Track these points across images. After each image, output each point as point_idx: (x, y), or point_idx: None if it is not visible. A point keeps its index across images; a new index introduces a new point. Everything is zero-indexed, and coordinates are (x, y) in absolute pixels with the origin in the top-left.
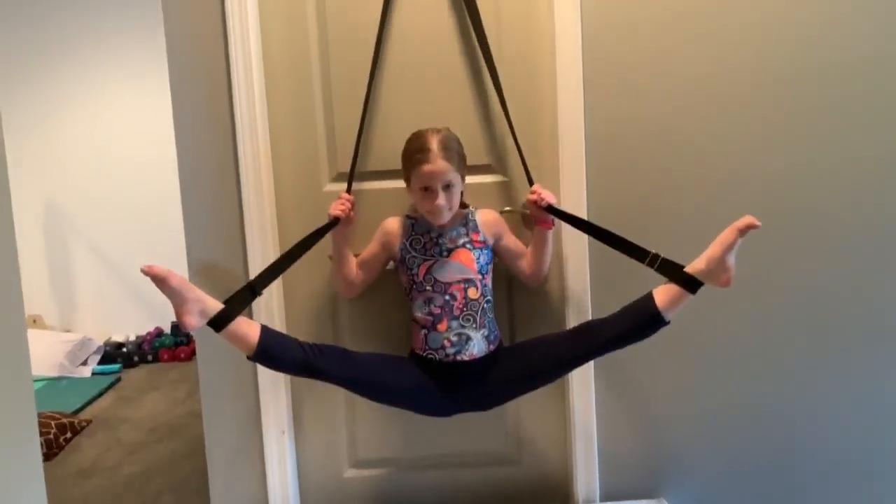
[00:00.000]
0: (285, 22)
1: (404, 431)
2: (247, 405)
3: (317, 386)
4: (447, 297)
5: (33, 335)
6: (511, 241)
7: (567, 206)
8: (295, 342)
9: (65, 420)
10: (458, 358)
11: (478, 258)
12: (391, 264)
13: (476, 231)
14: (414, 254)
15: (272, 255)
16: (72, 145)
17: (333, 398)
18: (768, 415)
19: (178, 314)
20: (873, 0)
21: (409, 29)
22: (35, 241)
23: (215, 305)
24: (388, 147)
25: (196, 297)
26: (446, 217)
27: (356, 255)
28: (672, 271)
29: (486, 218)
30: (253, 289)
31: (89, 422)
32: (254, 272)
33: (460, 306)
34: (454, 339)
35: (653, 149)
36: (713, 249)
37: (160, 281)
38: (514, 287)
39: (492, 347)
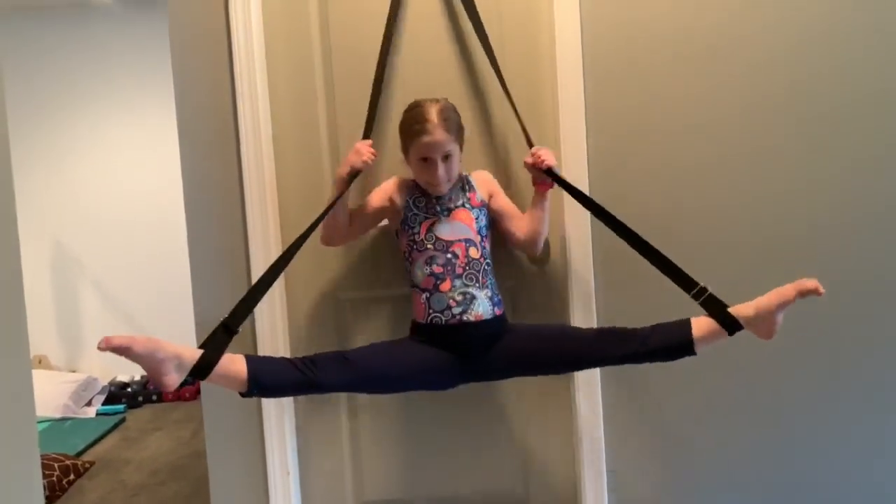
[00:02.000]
0: (291, 59)
1: (410, 471)
2: (251, 445)
3: (322, 425)
4: (449, 256)
5: (38, 376)
6: (503, 201)
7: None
8: (286, 363)
9: (68, 462)
10: (465, 318)
11: (477, 218)
12: (385, 222)
13: (473, 191)
14: (416, 212)
15: (277, 294)
16: (80, 187)
17: (339, 438)
18: (784, 451)
19: (154, 378)
20: (876, 22)
21: (412, 63)
22: (42, 281)
23: (192, 355)
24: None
25: (170, 354)
26: (445, 188)
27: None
28: (716, 308)
29: (480, 177)
30: (227, 327)
31: (92, 463)
32: (259, 315)
33: (463, 265)
34: (459, 298)
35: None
36: (767, 301)
37: (124, 351)
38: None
39: (497, 311)
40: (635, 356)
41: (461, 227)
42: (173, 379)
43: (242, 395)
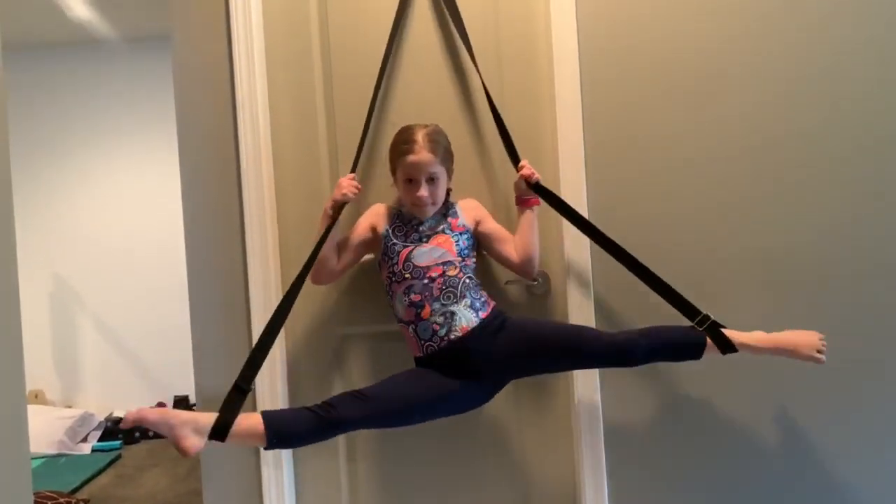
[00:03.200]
0: (294, 96)
1: None
2: (248, 483)
3: (319, 463)
4: (426, 282)
5: (33, 411)
6: (492, 226)
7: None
8: (302, 411)
9: (62, 500)
10: (452, 336)
11: (457, 241)
12: (370, 256)
13: (455, 217)
14: (395, 241)
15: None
16: (81, 221)
17: (336, 476)
18: (786, 478)
19: (175, 444)
20: (884, 56)
21: (410, 85)
22: (41, 314)
23: (207, 420)
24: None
25: (183, 420)
26: (429, 210)
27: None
28: (718, 335)
29: (466, 205)
30: (240, 387)
31: (87, 501)
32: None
33: (440, 287)
34: (440, 320)
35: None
36: (774, 348)
37: (140, 423)
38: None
39: (483, 314)
40: (649, 358)
41: (439, 252)
42: (192, 442)
43: (266, 448)
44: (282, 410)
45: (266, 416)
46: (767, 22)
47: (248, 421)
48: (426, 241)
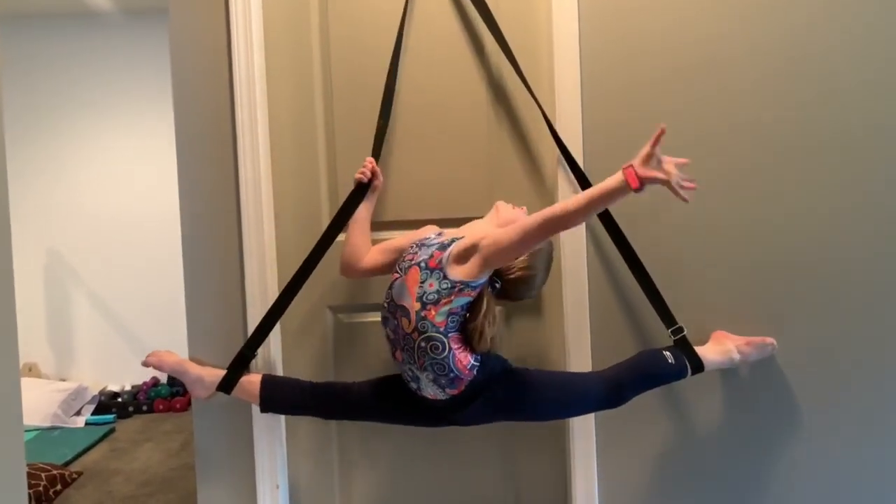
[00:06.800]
0: (291, 74)
1: (399, 484)
2: (241, 458)
3: (311, 439)
4: (396, 321)
5: (27, 384)
6: (496, 233)
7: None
8: (296, 388)
9: (55, 472)
10: (422, 394)
11: (423, 281)
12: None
13: (444, 249)
14: (398, 265)
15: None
16: (77, 195)
17: (329, 453)
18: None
19: (188, 390)
20: (886, 39)
21: (418, 90)
22: (35, 288)
23: (213, 378)
24: (399, 199)
25: (192, 379)
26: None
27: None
28: (686, 348)
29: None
30: (243, 355)
31: (80, 474)
32: (252, 326)
33: (402, 336)
34: (409, 373)
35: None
36: (730, 363)
37: (157, 367)
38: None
39: (453, 391)
40: (631, 390)
41: (403, 291)
42: (199, 393)
43: (261, 410)
44: (280, 381)
45: (264, 382)
46: (769, 7)
47: (251, 383)
48: (404, 273)
